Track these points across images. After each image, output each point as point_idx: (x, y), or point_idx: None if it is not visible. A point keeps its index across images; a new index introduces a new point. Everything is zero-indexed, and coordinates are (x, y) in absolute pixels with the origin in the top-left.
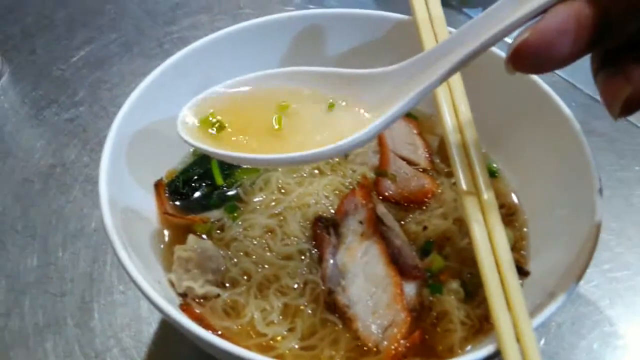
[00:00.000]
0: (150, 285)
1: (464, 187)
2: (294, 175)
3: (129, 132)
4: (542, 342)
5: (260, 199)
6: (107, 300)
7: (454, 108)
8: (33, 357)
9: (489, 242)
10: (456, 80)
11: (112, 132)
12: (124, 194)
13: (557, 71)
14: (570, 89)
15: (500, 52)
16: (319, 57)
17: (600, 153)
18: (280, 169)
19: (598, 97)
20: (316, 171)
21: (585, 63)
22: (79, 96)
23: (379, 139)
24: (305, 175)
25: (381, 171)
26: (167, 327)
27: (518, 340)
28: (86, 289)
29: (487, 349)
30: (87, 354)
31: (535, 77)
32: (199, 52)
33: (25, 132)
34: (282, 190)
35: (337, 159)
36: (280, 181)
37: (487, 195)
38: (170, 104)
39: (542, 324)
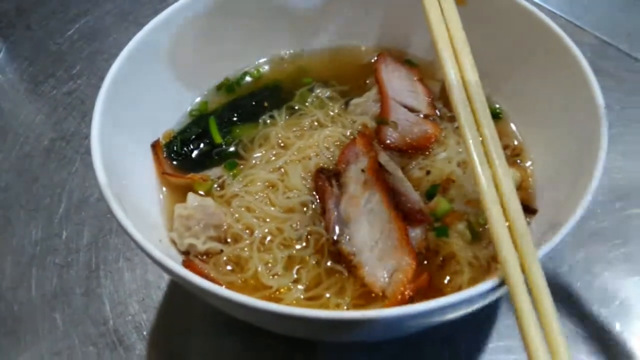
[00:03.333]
0: (151, 243)
1: (467, 129)
2: (294, 129)
3: (120, 94)
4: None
5: (260, 154)
6: (114, 268)
7: (454, 51)
8: (43, 327)
9: (494, 182)
10: (455, 21)
11: (101, 95)
12: (119, 156)
13: (563, 14)
14: (577, 31)
15: None
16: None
17: (608, 93)
18: (279, 123)
19: (606, 39)
20: (316, 124)
21: (593, 5)
22: (77, 69)
23: (379, 87)
24: (305, 128)
25: (382, 119)
26: (176, 290)
27: (524, 271)
28: (92, 258)
29: (492, 281)
30: (96, 322)
31: (541, 15)
32: (188, 10)
33: (24, 108)
34: (282, 145)
35: (336, 110)
36: (279, 135)
37: (490, 135)
38: (163, 65)
39: (547, 254)
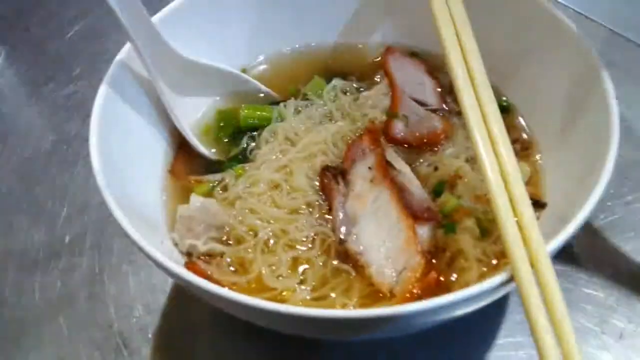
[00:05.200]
0: (151, 244)
1: (474, 123)
2: (304, 122)
3: (119, 96)
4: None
5: (266, 151)
6: (117, 271)
7: (460, 44)
8: (47, 332)
9: (502, 177)
10: (461, 13)
11: (99, 95)
12: (120, 157)
13: (571, 5)
14: (585, 22)
15: None
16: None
17: (617, 84)
18: (289, 116)
19: (615, 29)
20: (327, 117)
21: None
22: (77, 71)
23: (389, 80)
24: (315, 121)
25: (392, 113)
26: (180, 293)
27: (533, 266)
28: (95, 262)
29: (501, 276)
30: (101, 326)
31: (549, 6)
32: (188, 7)
33: (24, 111)
34: (289, 140)
35: (347, 105)
36: (288, 129)
37: (498, 129)
38: None
39: (557, 248)
